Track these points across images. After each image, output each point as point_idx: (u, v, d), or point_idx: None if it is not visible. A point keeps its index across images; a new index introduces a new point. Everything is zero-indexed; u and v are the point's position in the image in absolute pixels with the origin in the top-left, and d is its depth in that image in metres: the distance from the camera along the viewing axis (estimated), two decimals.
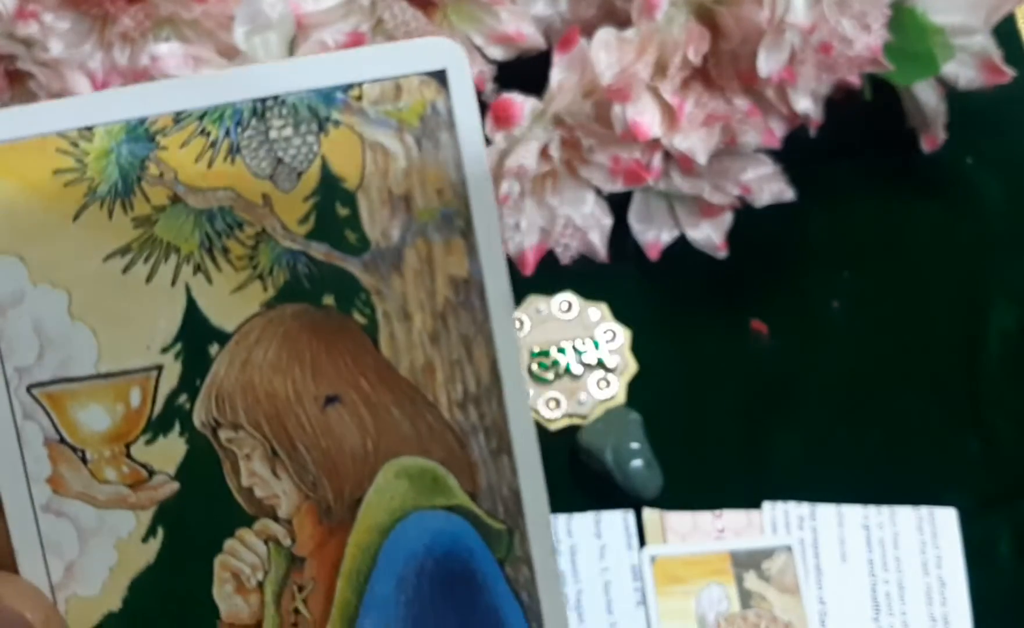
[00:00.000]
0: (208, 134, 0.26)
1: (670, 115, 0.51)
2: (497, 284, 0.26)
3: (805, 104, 0.52)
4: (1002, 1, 0.55)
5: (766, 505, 0.51)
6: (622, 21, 0.51)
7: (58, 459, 0.26)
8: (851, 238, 0.58)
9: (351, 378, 0.26)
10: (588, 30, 0.51)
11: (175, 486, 0.26)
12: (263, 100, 0.26)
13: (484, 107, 0.52)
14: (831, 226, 0.58)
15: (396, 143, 0.26)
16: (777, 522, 0.51)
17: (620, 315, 0.53)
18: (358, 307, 0.26)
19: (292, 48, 0.49)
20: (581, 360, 0.52)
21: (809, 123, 0.54)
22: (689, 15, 0.51)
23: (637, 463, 0.50)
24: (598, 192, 0.54)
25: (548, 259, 0.54)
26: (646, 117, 0.51)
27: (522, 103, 0.51)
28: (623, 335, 0.53)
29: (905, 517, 0.51)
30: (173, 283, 0.26)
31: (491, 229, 0.26)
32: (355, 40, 0.48)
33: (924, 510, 0.51)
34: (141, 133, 0.26)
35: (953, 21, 0.55)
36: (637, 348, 0.53)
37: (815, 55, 0.52)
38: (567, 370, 0.52)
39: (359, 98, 0.26)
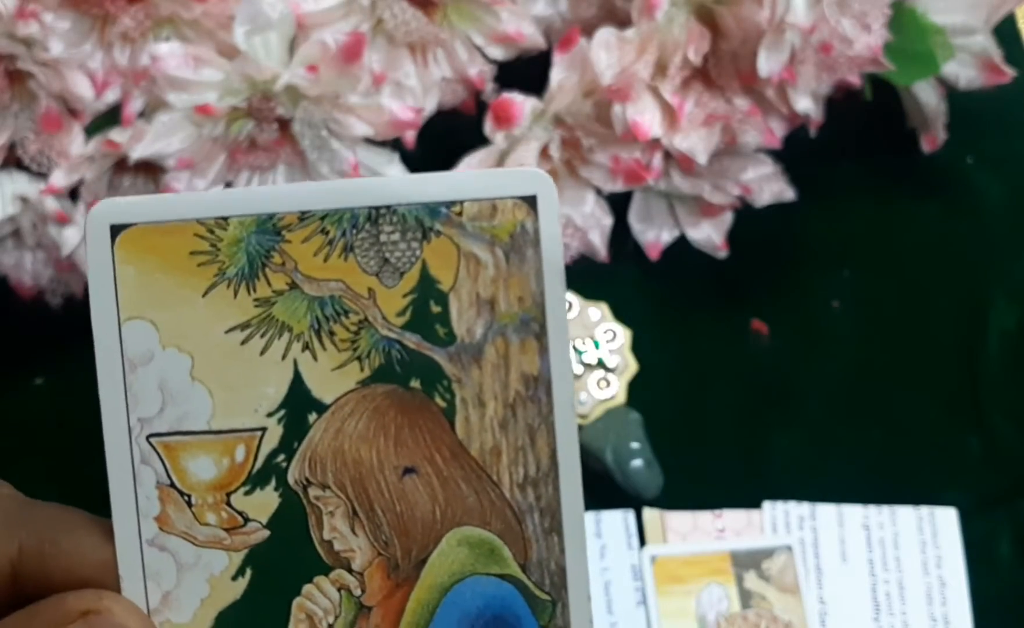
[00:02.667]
0: (327, 233, 0.30)
1: (670, 115, 0.51)
2: (563, 383, 0.30)
3: (805, 104, 0.52)
4: (1002, 1, 0.55)
5: (766, 505, 0.51)
6: (622, 21, 0.51)
7: (167, 501, 0.30)
8: (851, 238, 0.58)
9: (428, 453, 0.30)
10: (588, 30, 0.51)
11: (266, 533, 0.30)
12: (377, 208, 0.30)
13: (484, 107, 0.52)
14: (831, 226, 0.58)
15: (487, 254, 0.30)
16: (777, 522, 0.51)
17: (620, 315, 0.53)
18: (440, 392, 0.30)
19: (292, 48, 0.49)
20: (581, 360, 0.52)
21: (809, 123, 0.54)
22: (689, 15, 0.51)
23: (637, 463, 0.50)
24: (598, 192, 0.54)
25: None
26: (646, 117, 0.51)
27: (522, 103, 0.51)
28: (623, 335, 0.53)
29: (905, 517, 0.51)
30: (283, 357, 0.30)
31: (561, 335, 0.30)
32: (355, 40, 0.48)
33: (924, 510, 0.51)
34: (269, 227, 0.30)
35: (953, 21, 0.55)
36: (637, 348, 0.53)
37: (815, 55, 0.52)
38: None
39: (460, 214, 0.30)
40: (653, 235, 0.56)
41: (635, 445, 0.51)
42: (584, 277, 0.54)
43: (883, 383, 0.55)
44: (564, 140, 0.52)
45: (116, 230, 0.30)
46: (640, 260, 0.56)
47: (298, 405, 0.30)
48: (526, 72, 0.53)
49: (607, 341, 0.53)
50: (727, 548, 0.49)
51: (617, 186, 0.53)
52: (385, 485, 0.30)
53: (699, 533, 0.50)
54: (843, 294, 0.57)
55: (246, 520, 0.30)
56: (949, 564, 0.50)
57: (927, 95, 0.57)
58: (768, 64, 0.50)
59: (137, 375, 0.30)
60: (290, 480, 0.30)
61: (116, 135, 0.49)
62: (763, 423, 0.54)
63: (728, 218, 0.55)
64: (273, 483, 0.30)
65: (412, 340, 0.30)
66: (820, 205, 0.57)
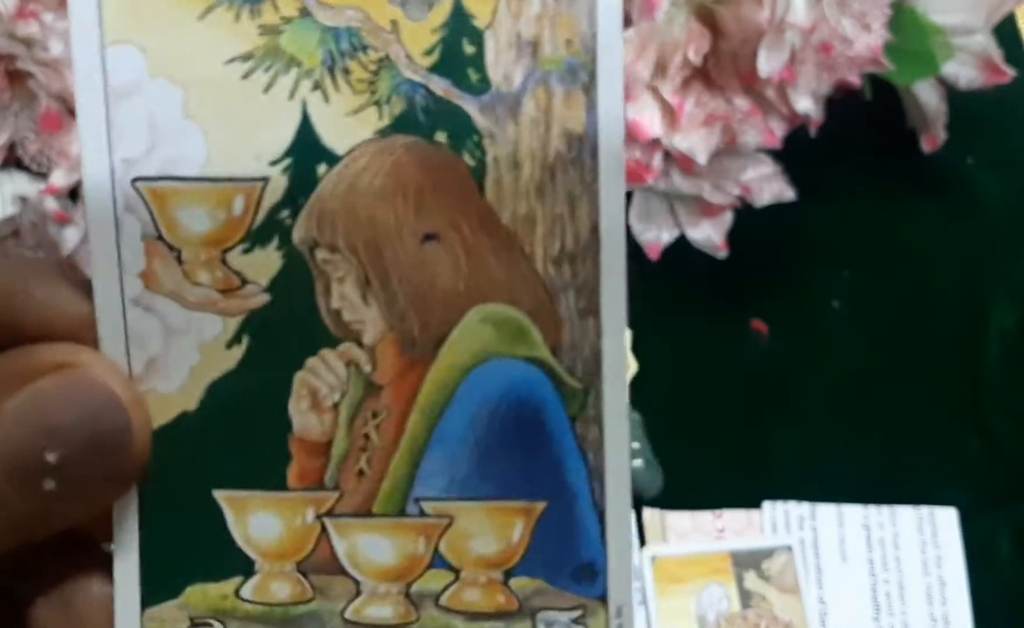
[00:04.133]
0: None
1: (670, 115, 0.51)
2: (611, 145, 0.26)
3: (805, 104, 0.52)
4: (1002, 1, 0.55)
5: (766, 505, 0.51)
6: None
7: (153, 255, 0.26)
8: (851, 238, 0.58)
9: (452, 218, 0.26)
10: None
11: (266, 297, 0.26)
12: None
13: None
14: (831, 226, 0.58)
15: None
16: (777, 522, 0.51)
17: None
18: (469, 148, 0.26)
19: None
20: None
21: (809, 123, 0.54)
22: (689, 15, 0.51)
23: (637, 463, 0.50)
24: None
25: None
26: (646, 117, 0.51)
27: None
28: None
29: (905, 517, 0.51)
30: (291, 96, 0.26)
31: (614, 87, 0.26)
32: None
33: (924, 510, 0.51)
34: None
35: (953, 21, 0.55)
36: (637, 348, 0.53)
37: (815, 55, 0.51)
38: None
39: None
40: (653, 235, 0.56)
41: (635, 445, 0.51)
42: None
43: (883, 383, 0.55)
44: None
45: None
46: (640, 260, 0.56)
47: (306, 153, 0.26)
48: None
49: None
50: (727, 548, 0.49)
51: None
52: (402, 251, 0.26)
53: (699, 533, 0.50)
54: (843, 294, 0.57)
55: (244, 282, 0.26)
56: (949, 564, 0.50)
57: (927, 95, 0.57)
58: (768, 64, 0.50)
59: (121, 108, 0.26)
60: (295, 239, 0.26)
61: None
62: (763, 423, 0.54)
63: (728, 218, 0.55)
64: (276, 241, 0.26)
65: (440, 85, 0.26)
66: (820, 205, 0.57)
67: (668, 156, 0.53)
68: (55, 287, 0.26)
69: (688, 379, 0.55)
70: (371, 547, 0.27)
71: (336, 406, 0.27)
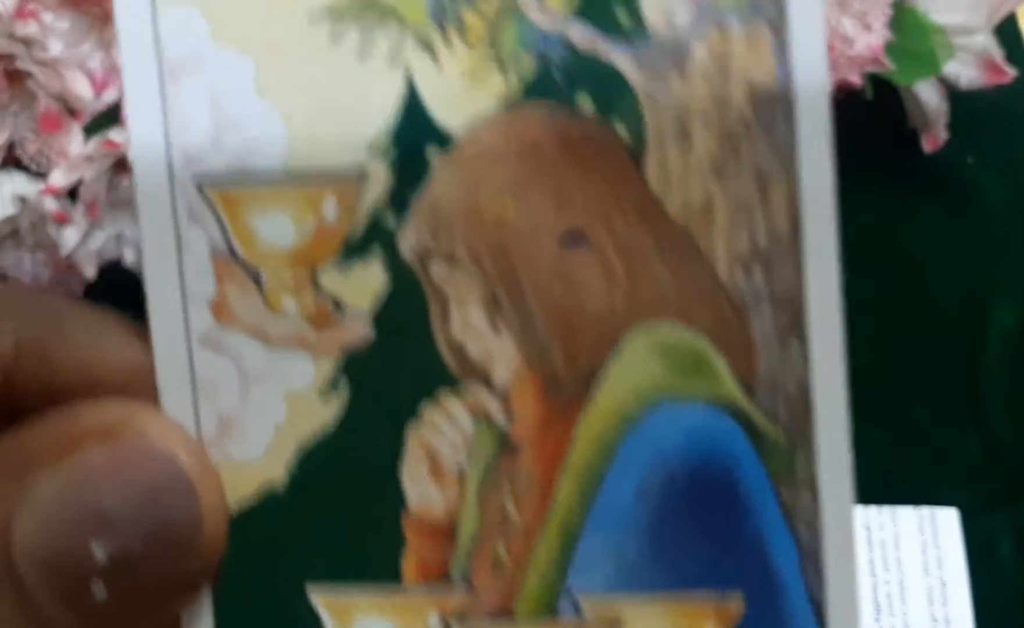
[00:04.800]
0: None
1: None
2: (812, 102, 0.20)
3: None
4: (1003, 1, 0.55)
5: None
6: None
7: (226, 278, 0.20)
8: (851, 238, 0.58)
9: (604, 212, 0.20)
10: None
11: (369, 329, 0.20)
12: None
13: None
14: None
15: None
16: None
17: None
18: (623, 116, 0.20)
19: None
20: None
21: None
22: None
23: None
24: None
25: None
26: None
27: None
28: None
29: (906, 517, 0.51)
30: (392, 62, 0.20)
31: (812, 22, 0.19)
32: None
33: (925, 510, 0.51)
34: None
35: (954, 20, 0.55)
36: None
37: None
38: None
39: None
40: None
41: None
42: None
43: (883, 383, 0.55)
44: None
45: None
46: None
47: (414, 136, 0.20)
48: None
49: None
50: None
51: None
52: (541, 259, 0.20)
53: None
54: (844, 294, 0.57)
55: (340, 309, 0.20)
56: (950, 565, 0.50)
57: (928, 95, 0.57)
58: None
59: (181, 87, 0.20)
60: (404, 250, 0.20)
61: (116, 135, 0.48)
62: None
63: None
64: (379, 254, 0.20)
65: (582, 35, 0.20)
66: None
67: None
68: (101, 329, 0.20)
69: None
70: None
71: (462, 472, 0.20)
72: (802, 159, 0.20)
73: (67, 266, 0.51)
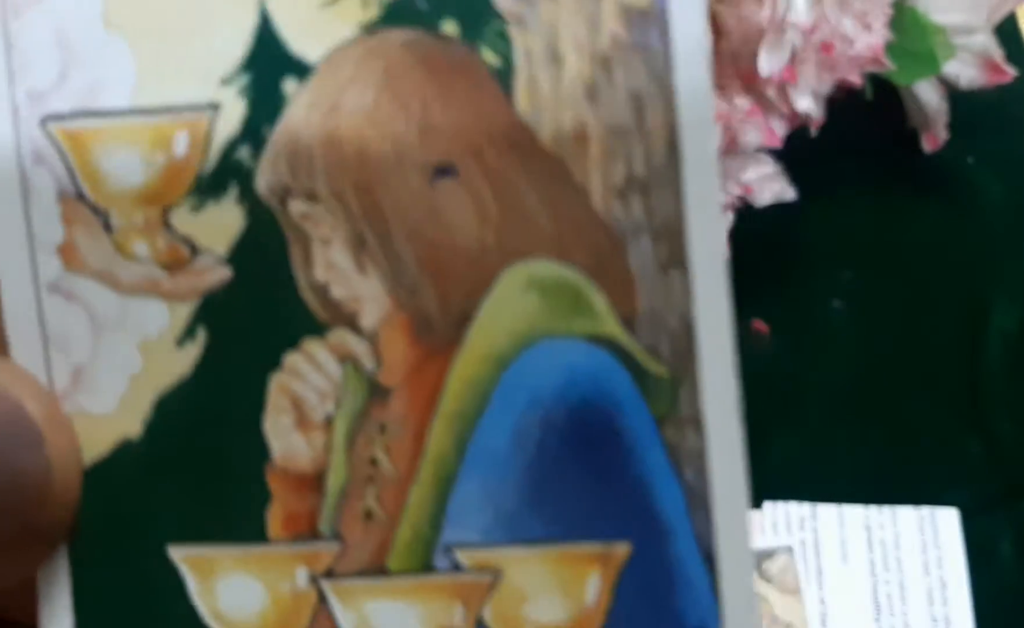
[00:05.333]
0: None
1: None
2: (688, 18, 0.18)
3: (806, 103, 0.52)
4: (1003, 1, 0.55)
5: (767, 505, 0.51)
6: None
7: (74, 221, 0.19)
8: (852, 238, 0.58)
9: (472, 141, 0.19)
10: None
11: (226, 272, 0.19)
12: None
13: None
14: (832, 226, 0.58)
15: None
16: (778, 522, 0.51)
17: None
18: (490, 40, 0.19)
19: None
20: None
21: (810, 122, 0.54)
22: None
23: None
24: None
25: None
26: None
27: None
28: None
29: (906, 517, 0.51)
30: None
31: None
32: None
33: (925, 510, 0.51)
34: None
35: (954, 20, 0.55)
36: None
37: (816, 54, 0.51)
38: None
39: None
40: None
41: None
42: None
43: (884, 383, 0.55)
44: None
45: None
46: None
47: (268, 66, 0.19)
48: None
49: None
50: None
51: None
52: (408, 193, 0.19)
53: None
54: (844, 294, 0.57)
55: (195, 251, 0.19)
56: (950, 565, 0.50)
57: (928, 95, 0.57)
58: (769, 64, 0.50)
59: (22, 22, 0.19)
60: (260, 187, 0.19)
61: None
62: (763, 423, 0.53)
63: (728, 218, 0.55)
64: (234, 192, 0.19)
65: None
66: (821, 205, 0.57)
67: None
68: None
69: None
70: (388, 618, 0.19)
71: (329, 420, 0.19)
72: (679, 81, 0.19)
73: None
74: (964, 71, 0.56)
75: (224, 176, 0.19)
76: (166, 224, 0.19)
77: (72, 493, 0.18)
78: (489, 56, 0.19)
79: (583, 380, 0.19)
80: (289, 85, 0.19)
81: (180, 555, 0.19)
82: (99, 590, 0.19)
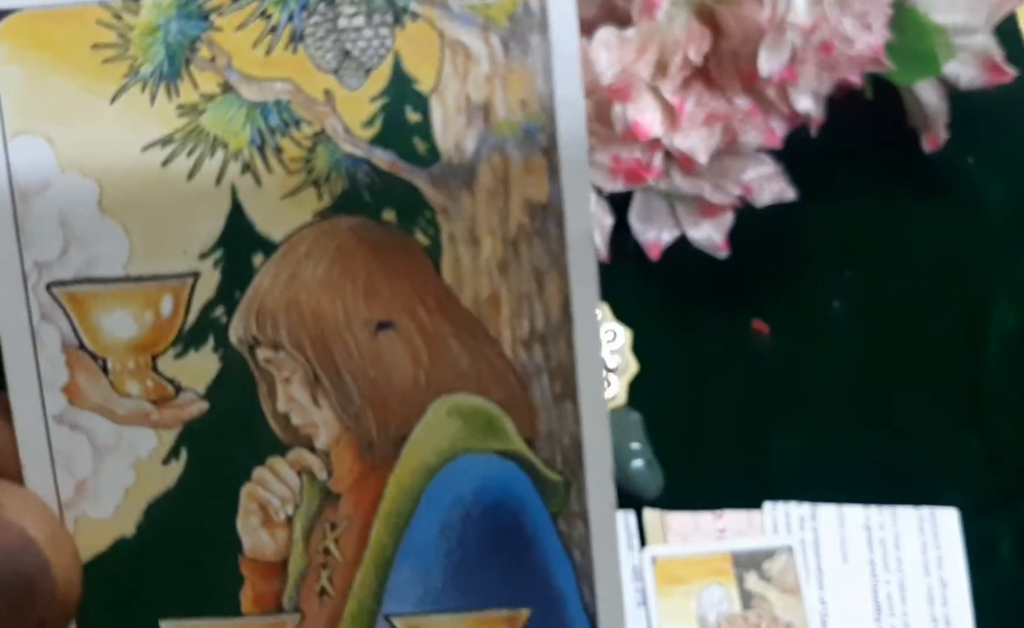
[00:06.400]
0: (269, 17, 0.23)
1: (671, 115, 0.51)
2: (578, 213, 0.24)
3: (806, 103, 0.52)
4: (1003, 1, 0.55)
5: (767, 505, 0.51)
6: (622, 20, 0.51)
7: (76, 367, 0.24)
8: (852, 238, 0.58)
9: (407, 303, 0.24)
10: (588, 29, 0.51)
11: (203, 406, 0.24)
12: None
13: None
14: (832, 226, 0.58)
15: (479, 43, 0.24)
16: (778, 522, 0.51)
17: (620, 315, 0.53)
18: (421, 226, 0.24)
19: None
20: None
21: (810, 122, 0.54)
22: (690, 14, 0.51)
23: (637, 463, 0.50)
24: (599, 192, 0.54)
25: None
26: (647, 117, 0.51)
27: None
28: (623, 335, 0.53)
29: (906, 517, 0.51)
30: (218, 182, 0.24)
31: (577, 150, 0.24)
32: None
33: (925, 510, 0.51)
34: (194, 10, 0.23)
35: (954, 20, 0.55)
36: (637, 348, 0.53)
37: (816, 54, 0.51)
38: None
39: None
40: (653, 235, 0.56)
41: (635, 446, 0.51)
42: None
43: (884, 383, 0.55)
44: None
45: None
46: (640, 260, 0.56)
47: (239, 244, 0.24)
48: None
49: (607, 341, 0.53)
50: (728, 549, 0.49)
51: (617, 186, 0.53)
52: (354, 343, 0.24)
53: (700, 534, 0.50)
54: (844, 294, 0.57)
55: (178, 390, 0.24)
56: (950, 565, 0.50)
57: (928, 95, 0.57)
58: (769, 63, 0.50)
59: (31, 207, 0.23)
60: (232, 338, 0.24)
61: None
62: (764, 423, 0.54)
63: (729, 218, 0.55)
64: (211, 343, 0.24)
65: (384, 159, 0.24)
66: (821, 205, 0.57)
67: (668, 156, 0.52)
68: None
69: (688, 379, 0.54)
70: None
71: (290, 520, 0.24)
72: (570, 258, 0.24)
73: None
74: (964, 71, 0.56)
75: (202, 330, 0.24)
76: (154, 368, 0.24)
77: (74, 591, 0.23)
78: (421, 237, 0.24)
79: (495, 486, 0.24)
80: (257, 258, 0.24)
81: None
82: None
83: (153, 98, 0.23)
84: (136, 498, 0.24)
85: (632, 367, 0.52)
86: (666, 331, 0.55)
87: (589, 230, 0.24)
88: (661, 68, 0.51)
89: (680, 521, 0.50)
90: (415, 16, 0.23)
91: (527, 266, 0.24)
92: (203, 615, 0.24)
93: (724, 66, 0.52)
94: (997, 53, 0.56)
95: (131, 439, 0.24)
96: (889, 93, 0.57)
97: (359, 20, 0.23)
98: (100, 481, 0.24)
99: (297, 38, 0.23)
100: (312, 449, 0.24)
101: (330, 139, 0.24)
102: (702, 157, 0.51)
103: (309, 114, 0.24)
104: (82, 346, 0.24)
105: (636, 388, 0.52)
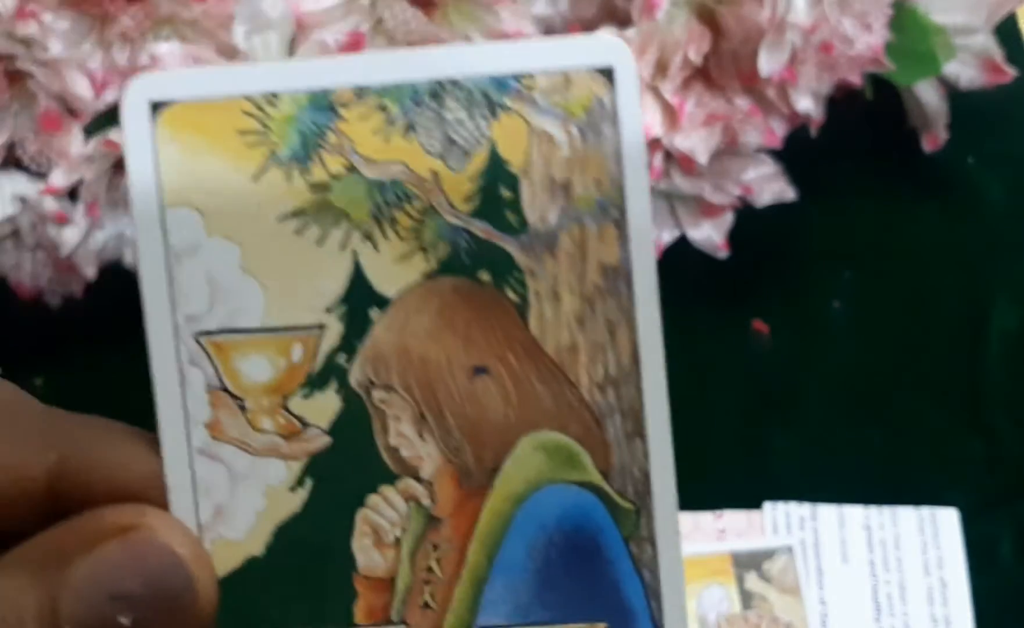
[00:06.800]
0: (386, 110, 0.28)
1: (671, 115, 0.51)
2: (645, 273, 0.28)
3: (806, 104, 0.52)
4: (1003, 1, 0.55)
5: (767, 506, 0.51)
6: (622, 20, 0.51)
7: (218, 405, 0.28)
8: (852, 238, 0.58)
9: (500, 351, 0.28)
10: (588, 29, 0.51)
11: (327, 440, 0.28)
12: (440, 82, 0.28)
13: None
14: (832, 226, 0.58)
15: (561, 132, 0.28)
16: (778, 523, 0.51)
17: None
18: (512, 285, 0.28)
19: (292, 48, 0.49)
20: None
21: (810, 123, 0.54)
22: (690, 14, 0.51)
23: None
24: None
25: None
26: (647, 117, 0.51)
27: None
28: None
29: (906, 518, 0.51)
30: (342, 248, 0.28)
31: (643, 221, 0.28)
32: (354, 40, 0.48)
33: (925, 510, 0.51)
34: (324, 103, 0.27)
35: (954, 20, 0.55)
36: None
37: (816, 54, 0.51)
38: None
39: (531, 87, 0.28)
40: (653, 235, 0.56)
41: None
42: None
43: (884, 383, 0.55)
44: None
45: (157, 107, 0.28)
46: None
47: (359, 300, 0.28)
48: None
49: None
50: (728, 549, 0.49)
51: None
52: (454, 386, 0.28)
53: (700, 534, 0.50)
54: (844, 294, 0.57)
55: (305, 426, 0.28)
56: (950, 565, 0.50)
57: (928, 95, 0.57)
58: (769, 64, 0.50)
59: (182, 267, 0.27)
60: (352, 382, 0.28)
61: (116, 135, 0.49)
62: (764, 423, 0.54)
63: (729, 218, 0.55)
64: (334, 385, 0.28)
65: (481, 228, 0.28)
66: (821, 205, 0.57)
67: (668, 156, 0.52)
68: (124, 446, 0.27)
69: (688, 379, 0.54)
70: None
71: (398, 541, 0.28)
72: (638, 313, 0.28)
73: (67, 266, 0.51)
74: (964, 71, 0.56)
75: (327, 374, 0.28)
76: (285, 407, 0.28)
77: (211, 603, 0.27)
78: (512, 295, 0.28)
79: (575, 513, 0.28)
80: (373, 313, 0.28)
81: None
82: None
83: (289, 176, 0.28)
84: (266, 522, 0.28)
85: None
86: (666, 331, 0.55)
87: (655, 289, 0.28)
88: (661, 68, 0.51)
89: (680, 521, 0.50)
90: (508, 109, 0.28)
91: (601, 319, 0.28)
92: (321, 626, 0.28)
93: (724, 66, 0.52)
94: (997, 53, 0.56)
95: (263, 469, 0.28)
96: (889, 93, 0.57)
97: (461, 113, 0.28)
98: (235, 506, 0.28)
99: (410, 128, 0.28)
100: (418, 479, 0.28)
101: (436, 212, 0.28)
102: (702, 157, 0.51)
103: (419, 191, 0.28)
104: (224, 388, 0.28)
105: None
